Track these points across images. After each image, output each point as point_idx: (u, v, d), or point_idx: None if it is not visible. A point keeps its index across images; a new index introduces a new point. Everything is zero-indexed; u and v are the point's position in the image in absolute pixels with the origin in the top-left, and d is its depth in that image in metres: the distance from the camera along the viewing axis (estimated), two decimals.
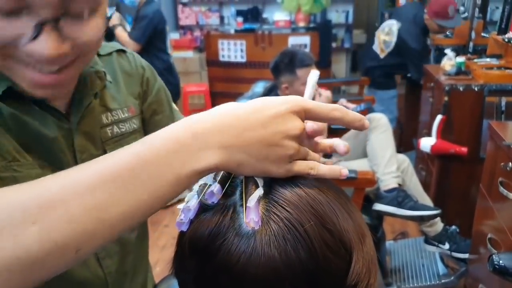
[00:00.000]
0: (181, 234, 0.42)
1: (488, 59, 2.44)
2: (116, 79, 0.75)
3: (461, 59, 2.39)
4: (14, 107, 0.57)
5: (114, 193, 0.36)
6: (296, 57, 2.14)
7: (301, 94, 0.50)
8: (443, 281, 2.01)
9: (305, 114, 0.41)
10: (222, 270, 0.38)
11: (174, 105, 0.87)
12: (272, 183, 0.41)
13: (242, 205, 0.39)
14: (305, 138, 0.44)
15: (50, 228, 0.34)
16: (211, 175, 0.42)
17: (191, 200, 0.41)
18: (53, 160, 0.62)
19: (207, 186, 0.41)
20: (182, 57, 5.39)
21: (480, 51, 2.70)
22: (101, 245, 0.37)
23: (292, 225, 0.38)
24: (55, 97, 0.62)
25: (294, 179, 0.41)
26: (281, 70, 2.15)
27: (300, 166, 0.42)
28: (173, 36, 5.54)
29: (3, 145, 0.56)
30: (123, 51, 0.78)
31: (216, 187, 0.40)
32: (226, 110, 0.40)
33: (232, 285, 0.38)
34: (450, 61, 2.44)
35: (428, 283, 2.01)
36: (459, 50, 2.78)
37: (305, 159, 0.43)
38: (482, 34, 2.79)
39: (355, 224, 0.41)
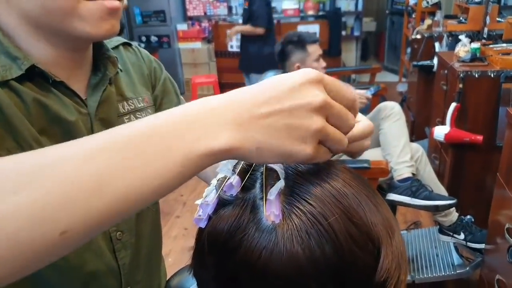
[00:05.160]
0: (200, 230, 0.40)
1: (504, 45, 2.38)
2: (127, 70, 0.77)
3: (476, 45, 2.32)
4: (34, 91, 0.59)
5: (116, 163, 0.31)
6: (303, 34, 2.29)
7: None
8: (458, 271, 1.98)
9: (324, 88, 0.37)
10: (243, 267, 0.36)
11: (182, 98, 0.89)
12: (294, 175, 0.39)
13: (262, 198, 0.37)
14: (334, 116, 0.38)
15: (30, 197, 0.28)
16: (230, 168, 0.40)
17: (210, 195, 0.39)
18: None
19: (226, 180, 0.39)
20: (191, 48, 5.39)
21: (495, 37, 2.63)
22: (88, 231, 0.30)
23: (315, 219, 0.36)
24: (75, 76, 0.65)
25: (318, 171, 0.39)
26: (291, 51, 2.26)
27: (327, 151, 0.37)
28: (181, 27, 5.53)
29: (21, 133, 0.56)
30: (129, 44, 0.81)
31: (235, 179, 0.38)
32: (241, 89, 0.37)
33: (254, 283, 0.37)
34: (464, 47, 2.38)
35: (443, 273, 1.99)
36: (474, 36, 2.71)
37: (334, 140, 0.37)
38: (497, 18, 2.71)
39: (383, 217, 0.39)
